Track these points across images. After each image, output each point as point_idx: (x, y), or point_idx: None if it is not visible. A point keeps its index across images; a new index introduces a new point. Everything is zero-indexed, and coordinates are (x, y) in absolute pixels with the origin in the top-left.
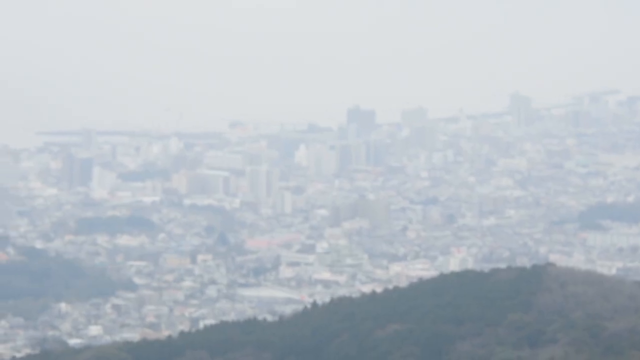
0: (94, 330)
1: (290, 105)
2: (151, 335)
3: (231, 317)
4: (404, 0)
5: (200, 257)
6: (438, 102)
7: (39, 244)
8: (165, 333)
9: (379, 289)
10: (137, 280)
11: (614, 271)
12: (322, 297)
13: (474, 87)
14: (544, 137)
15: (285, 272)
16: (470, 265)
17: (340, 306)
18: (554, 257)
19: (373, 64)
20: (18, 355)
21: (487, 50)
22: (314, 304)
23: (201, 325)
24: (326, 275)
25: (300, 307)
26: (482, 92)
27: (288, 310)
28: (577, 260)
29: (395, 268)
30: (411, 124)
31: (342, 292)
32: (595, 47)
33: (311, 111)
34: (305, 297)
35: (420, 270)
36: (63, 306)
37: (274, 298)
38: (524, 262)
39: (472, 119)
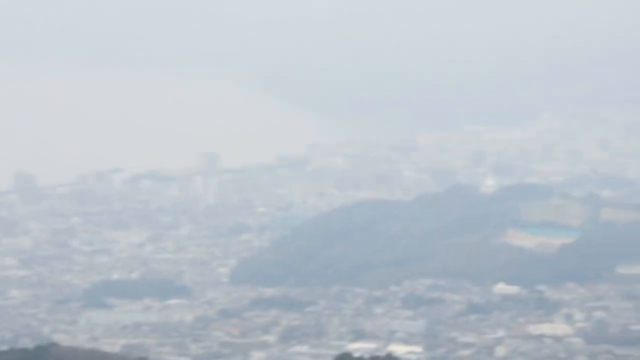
0: None
1: None
2: None
3: None
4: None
5: None
6: None
7: None
8: None
9: None
10: None
11: (118, 348)
12: None
13: None
14: (49, 215)
15: None
16: None
17: None
18: (58, 337)
19: None
20: None
21: None
22: None
23: None
24: None
25: None
26: None
27: None
28: (81, 339)
29: None
30: None
31: None
32: (103, 126)
33: None
34: None
35: None
36: None
37: None
38: (27, 342)
39: None
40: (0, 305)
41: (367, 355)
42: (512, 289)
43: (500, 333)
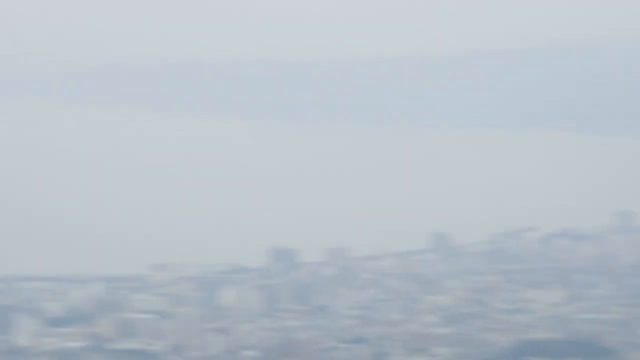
0: None
1: (212, 247)
2: None
3: None
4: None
5: None
6: (359, 240)
7: None
8: None
9: None
10: None
11: None
12: None
13: (393, 226)
14: (466, 274)
15: None
16: None
17: None
18: None
19: (291, 206)
20: None
21: (403, 191)
22: None
23: None
24: None
25: None
26: (402, 230)
27: None
28: None
29: None
30: (335, 263)
31: None
32: (512, 187)
33: (233, 253)
34: None
35: None
36: None
37: None
38: None
39: (395, 256)
40: None
41: None
42: None
43: None
